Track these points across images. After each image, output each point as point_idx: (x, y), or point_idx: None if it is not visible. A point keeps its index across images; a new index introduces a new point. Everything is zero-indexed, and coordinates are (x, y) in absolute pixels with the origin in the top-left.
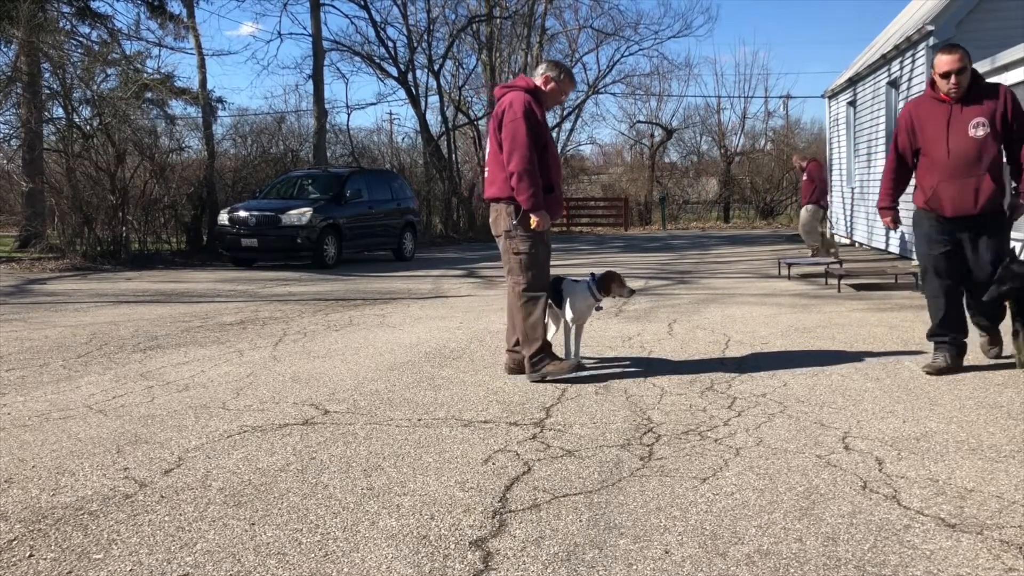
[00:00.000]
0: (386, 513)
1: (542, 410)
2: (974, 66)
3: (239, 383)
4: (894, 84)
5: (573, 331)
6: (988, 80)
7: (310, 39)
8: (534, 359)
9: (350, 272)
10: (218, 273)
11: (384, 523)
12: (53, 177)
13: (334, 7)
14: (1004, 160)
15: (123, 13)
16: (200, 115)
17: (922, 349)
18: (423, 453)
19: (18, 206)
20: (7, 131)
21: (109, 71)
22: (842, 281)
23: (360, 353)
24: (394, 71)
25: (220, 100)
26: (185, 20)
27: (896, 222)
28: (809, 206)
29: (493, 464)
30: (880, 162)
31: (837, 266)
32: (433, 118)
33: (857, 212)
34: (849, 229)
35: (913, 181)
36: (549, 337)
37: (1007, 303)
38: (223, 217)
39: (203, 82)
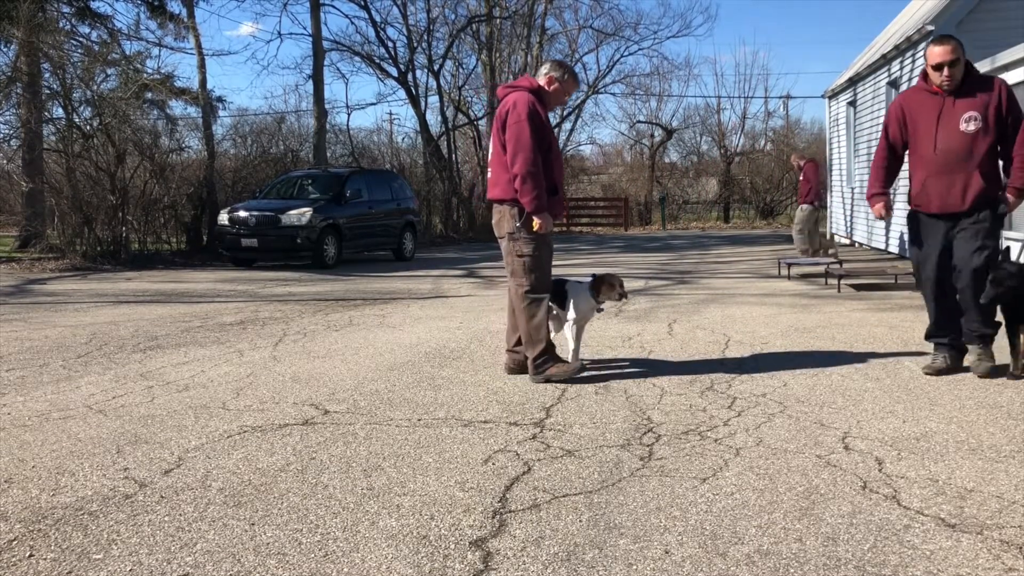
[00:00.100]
0: (386, 513)
1: (542, 410)
2: (974, 65)
3: (239, 383)
4: (894, 84)
5: (575, 331)
6: None
7: (310, 39)
8: (538, 361)
9: (350, 272)
10: (218, 273)
11: (384, 523)
12: (53, 177)
13: (334, 7)
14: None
15: (123, 13)
16: (200, 115)
17: (922, 349)
18: (423, 453)
19: (18, 206)
20: (7, 131)
21: (109, 71)
22: (842, 281)
23: (360, 353)
24: (394, 71)
25: (220, 100)
26: (185, 20)
27: (888, 208)
28: (805, 206)
29: (493, 464)
30: None
31: (837, 266)
32: (433, 118)
33: (857, 212)
34: (849, 229)
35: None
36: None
37: (1000, 311)
38: (223, 217)
39: (203, 82)
